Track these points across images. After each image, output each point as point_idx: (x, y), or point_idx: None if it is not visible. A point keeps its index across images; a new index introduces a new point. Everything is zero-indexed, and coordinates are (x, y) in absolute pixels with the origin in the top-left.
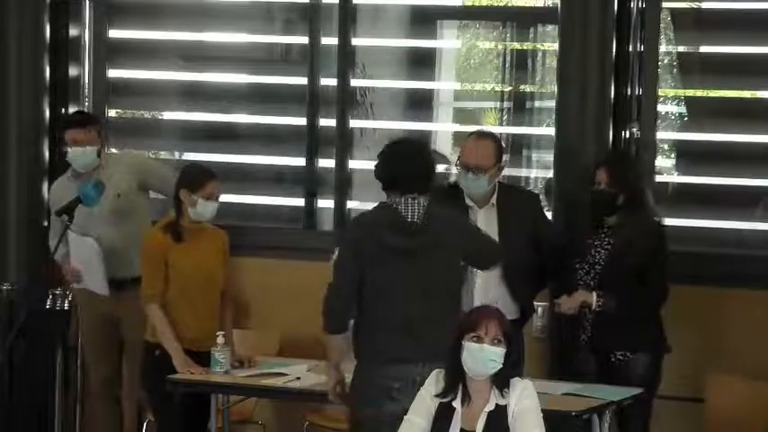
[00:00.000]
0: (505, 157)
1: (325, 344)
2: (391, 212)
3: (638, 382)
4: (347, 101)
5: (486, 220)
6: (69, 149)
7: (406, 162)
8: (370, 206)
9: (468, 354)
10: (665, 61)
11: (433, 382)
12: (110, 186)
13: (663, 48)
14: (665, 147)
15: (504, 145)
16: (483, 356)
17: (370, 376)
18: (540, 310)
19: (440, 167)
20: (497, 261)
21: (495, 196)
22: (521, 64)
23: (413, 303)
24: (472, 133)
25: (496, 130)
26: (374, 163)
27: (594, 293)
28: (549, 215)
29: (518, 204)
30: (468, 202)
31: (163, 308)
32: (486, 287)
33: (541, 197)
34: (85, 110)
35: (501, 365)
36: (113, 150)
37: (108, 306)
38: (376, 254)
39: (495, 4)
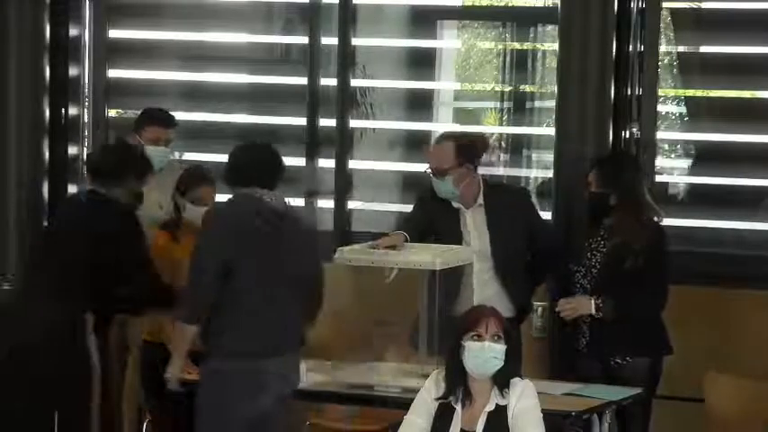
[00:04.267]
0: (485, 157)
1: (175, 332)
2: (257, 202)
3: (637, 384)
4: (347, 101)
5: (474, 221)
6: (148, 146)
7: (260, 158)
8: (370, 206)
9: (469, 353)
10: (665, 61)
11: (433, 382)
12: (157, 194)
13: (663, 48)
14: (665, 147)
15: (476, 145)
16: (485, 354)
17: (238, 370)
18: (539, 310)
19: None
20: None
21: (480, 196)
22: (521, 64)
23: (278, 294)
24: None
25: (496, 130)
26: (367, 163)
27: (593, 302)
28: (548, 215)
29: (507, 202)
30: (454, 204)
31: None
32: (481, 286)
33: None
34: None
35: (502, 363)
36: None
37: None
38: (247, 244)
39: (495, 4)
